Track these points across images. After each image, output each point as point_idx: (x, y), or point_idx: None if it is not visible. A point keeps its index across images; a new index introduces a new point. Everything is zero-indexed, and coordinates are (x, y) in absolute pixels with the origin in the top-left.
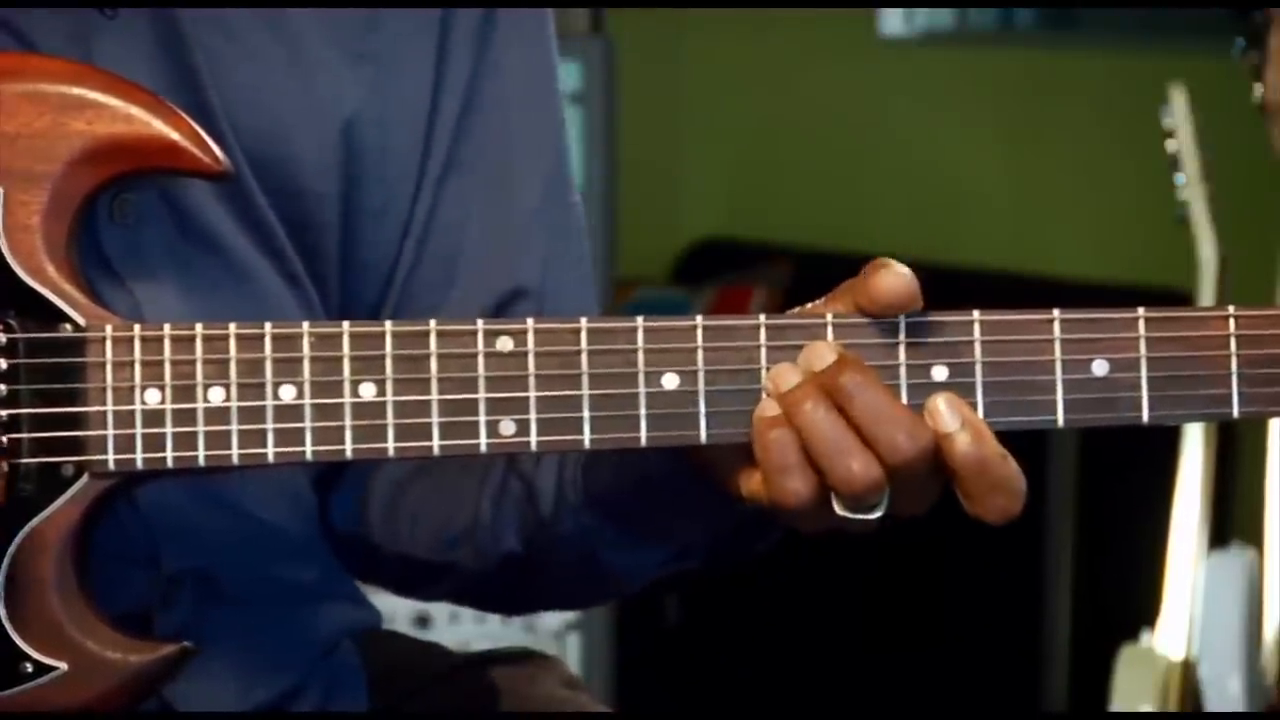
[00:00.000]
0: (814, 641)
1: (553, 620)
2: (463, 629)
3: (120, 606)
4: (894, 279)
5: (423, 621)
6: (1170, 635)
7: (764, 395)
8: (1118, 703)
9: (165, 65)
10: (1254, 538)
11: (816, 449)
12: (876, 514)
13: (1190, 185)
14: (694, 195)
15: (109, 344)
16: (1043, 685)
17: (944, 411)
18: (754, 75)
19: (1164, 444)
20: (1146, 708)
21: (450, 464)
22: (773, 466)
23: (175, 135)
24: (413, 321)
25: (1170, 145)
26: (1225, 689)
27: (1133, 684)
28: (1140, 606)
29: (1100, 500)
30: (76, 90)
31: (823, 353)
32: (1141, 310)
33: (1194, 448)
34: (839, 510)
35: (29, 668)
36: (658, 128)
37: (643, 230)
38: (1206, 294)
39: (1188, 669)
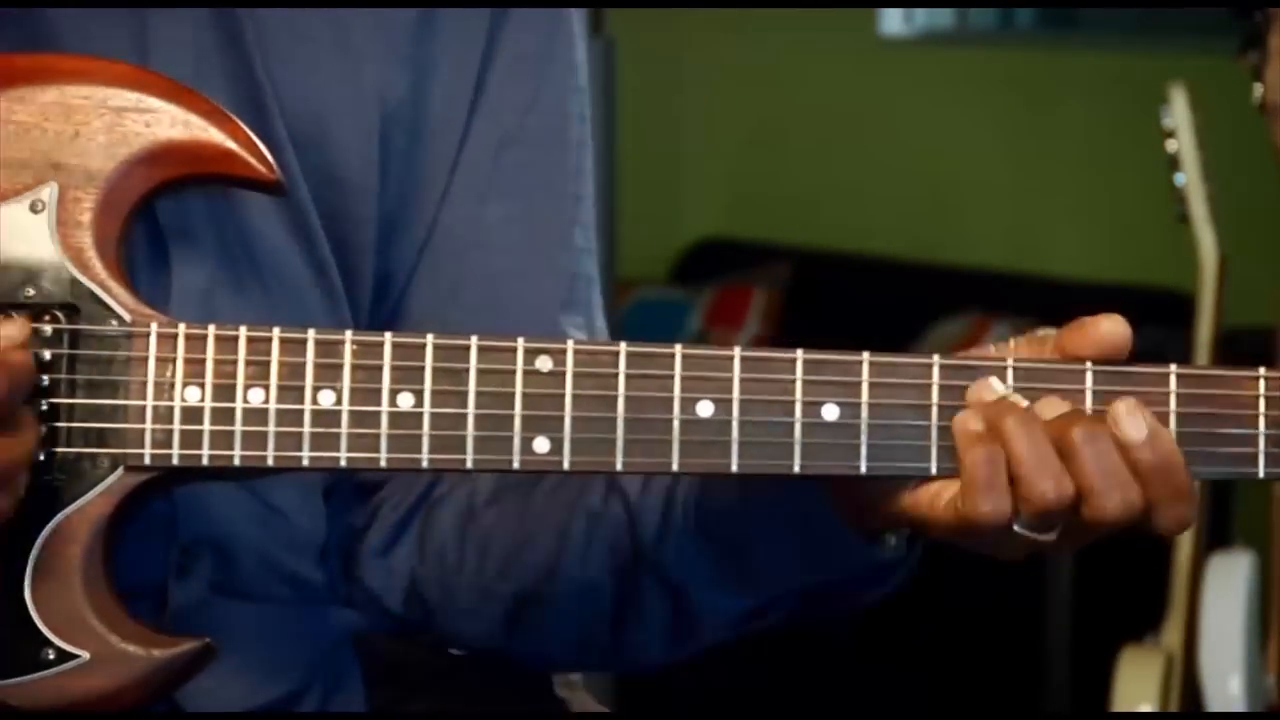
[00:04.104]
0: (814, 641)
1: None
2: None
3: (137, 576)
4: (1119, 326)
5: None
6: (1171, 635)
7: (935, 419)
8: (1119, 703)
9: (214, 34)
10: (1256, 539)
11: (1016, 462)
12: (1052, 535)
13: (1190, 185)
14: (694, 195)
15: (153, 340)
16: (1044, 685)
17: (1126, 418)
18: (754, 75)
19: None
20: (1147, 708)
21: (538, 489)
22: (978, 484)
23: (232, 144)
24: (455, 335)
25: (1170, 145)
26: (1225, 689)
27: (1133, 684)
28: (1141, 606)
29: None
30: (136, 94)
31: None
32: (1173, 366)
33: None
34: (1016, 528)
35: (51, 654)
36: (658, 128)
37: (643, 230)
38: (1206, 294)
39: (1188, 669)
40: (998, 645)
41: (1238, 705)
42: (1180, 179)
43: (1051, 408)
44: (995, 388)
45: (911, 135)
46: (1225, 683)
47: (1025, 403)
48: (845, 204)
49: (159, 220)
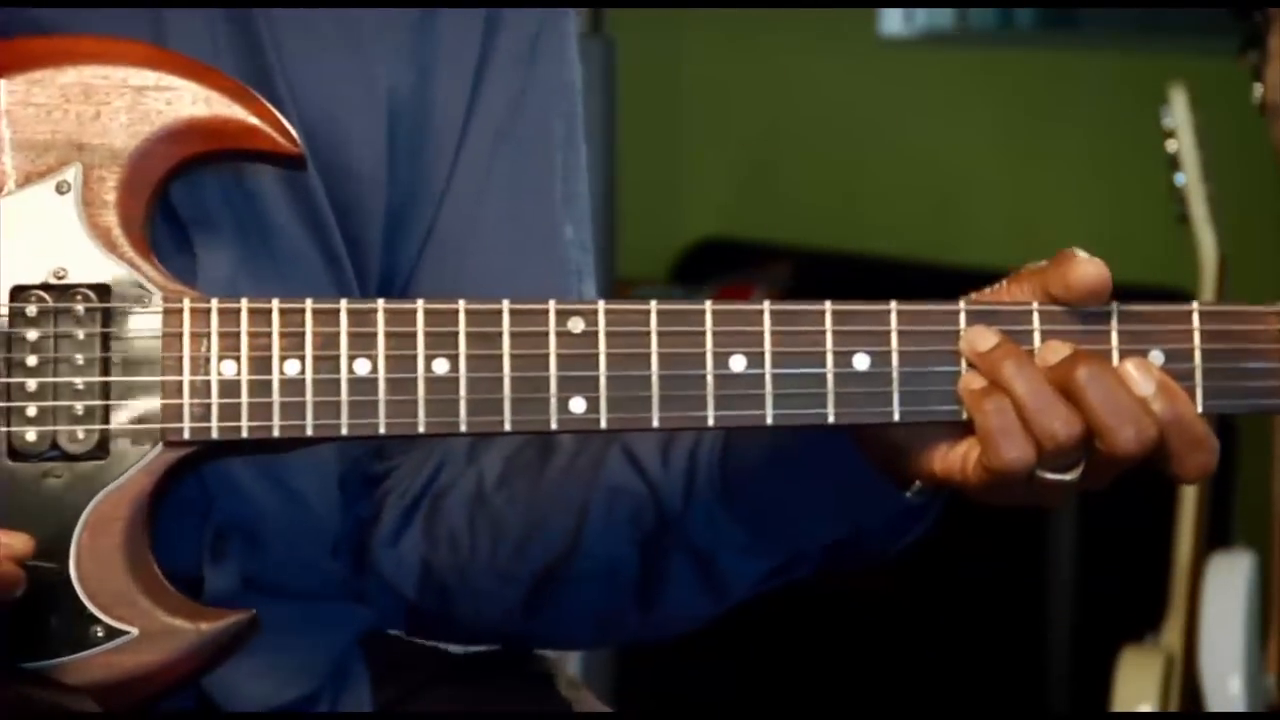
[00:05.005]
0: (816, 641)
1: None
2: None
3: (172, 562)
4: (1092, 269)
5: None
6: (1171, 636)
7: (964, 365)
8: (1119, 703)
9: (229, 29)
10: (1256, 539)
11: (1021, 406)
12: (1075, 474)
13: (1190, 185)
14: (694, 195)
15: (187, 315)
16: (1044, 685)
17: (1136, 375)
18: (754, 75)
19: None
20: (1147, 708)
21: (549, 470)
22: (994, 435)
23: (255, 119)
24: (486, 299)
25: (1170, 145)
26: (1225, 689)
27: (1133, 684)
28: (1141, 606)
29: (1101, 500)
30: (156, 73)
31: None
32: (1195, 304)
33: None
34: (1038, 472)
35: (100, 632)
36: (658, 128)
37: (643, 230)
38: (1206, 294)
39: (1188, 669)
40: (998, 644)
41: (1238, 705)
42: (1180, 179)
43: (1055, 352)
44: (986, 334)
45: (912, 135)
46: (1225, 683)
47: (1019, 346)
48: (845, 204)
49: (179, 213)
